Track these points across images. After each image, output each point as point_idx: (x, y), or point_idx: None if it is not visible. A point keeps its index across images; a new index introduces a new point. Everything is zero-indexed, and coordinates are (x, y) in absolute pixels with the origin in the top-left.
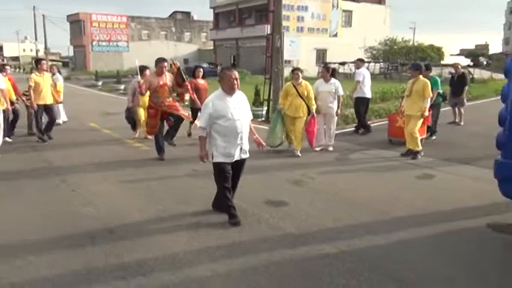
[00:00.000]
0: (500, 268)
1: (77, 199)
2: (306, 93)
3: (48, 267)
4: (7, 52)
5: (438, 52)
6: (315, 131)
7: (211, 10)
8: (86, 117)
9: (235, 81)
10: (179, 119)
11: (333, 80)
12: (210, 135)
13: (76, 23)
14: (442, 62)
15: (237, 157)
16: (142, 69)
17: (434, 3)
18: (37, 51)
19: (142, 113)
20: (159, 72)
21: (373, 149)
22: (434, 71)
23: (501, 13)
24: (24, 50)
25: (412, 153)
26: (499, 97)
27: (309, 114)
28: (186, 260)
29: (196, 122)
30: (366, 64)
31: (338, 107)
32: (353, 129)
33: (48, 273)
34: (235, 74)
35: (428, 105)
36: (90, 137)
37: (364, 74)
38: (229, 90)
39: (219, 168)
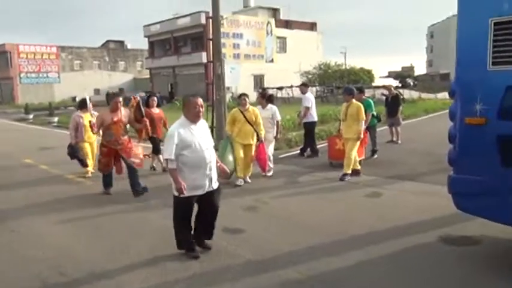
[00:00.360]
0: (457, 281)
1: (20, 242)
2: (254, 119)
3: None
4: None
5: (369, 75)
6: (266, 157)
7: (146, 39)
8: (19, 153)
9: (201, 109)
10: (132, 169)
11: (269, 105)
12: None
13: (2, 55)
14: (373, 84)
15: (207, 188)
16: (84, 102)
17: (362, 29)
18: None
19: (88, 148)
20: (114, 108)
21: (320, 171)
22: (367, 93)
23: (423, 37)
24: None
25: (353, 173)
26: (429, 115)
27: (258, 140)
28: None
29: (160, 155)
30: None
31: (277, 132)
32: (298, 152)
33: None
34: (200, 101)
35: (363, 127)
36: (27, 175)
37: (311, 99)
38: (194, 118)
39: (184, 202)
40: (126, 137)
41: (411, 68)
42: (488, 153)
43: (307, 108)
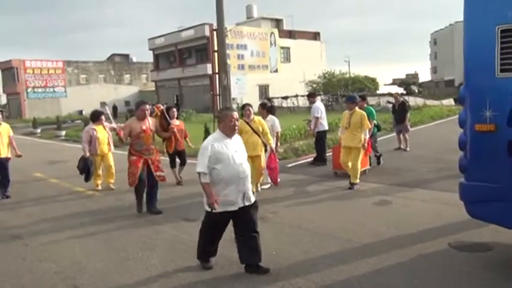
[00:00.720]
0: (468, 286)
1: (34, 255)
2: (261, 129)
3: None
4: None
5: (373, 83)
6: (277, 167)
7: (151, 51)
8: (29, 167)
9: (237, 122)
10: (155, 185)
11: (269, 116)
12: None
13: (8, 70)
14: (378, 92)
15: (240, 204)
16: (98, 114)
17: (365, 38)
18: None
19: (100, 163)
20: (141, 116)
21: (329, 180)
22: (372, 101)
23: (427, 44)
24: None
25: (350, 185)
26: (435, 122)
27: (266, 150)
28: None
29: (175, 168)
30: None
31: (276, 143)
32: (307, 161)
33: None
34: (236, 114)
35: (367, 136)
36: (38, 188)
37: (320, 108)
38: (230, 132)
39: (215, 219)
40: (154, 147)
41: (415, 75)
42: (499, 159)
43: (317, 119)
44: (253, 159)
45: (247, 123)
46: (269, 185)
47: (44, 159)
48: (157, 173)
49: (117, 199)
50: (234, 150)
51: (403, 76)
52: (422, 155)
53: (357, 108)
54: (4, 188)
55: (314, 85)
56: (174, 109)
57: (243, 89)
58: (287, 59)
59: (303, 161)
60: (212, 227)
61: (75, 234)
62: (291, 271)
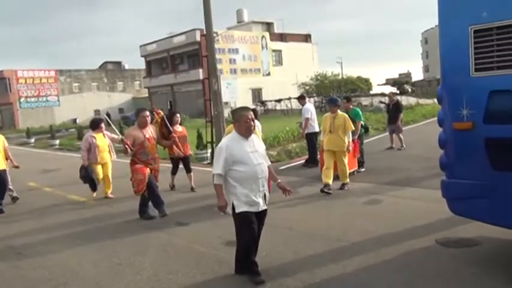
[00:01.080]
0: (456, 282)
1: (27, 263)
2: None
3: None
4: None
5: (366, 83)
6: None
7: (143, 58)
8: (23, 176)
9: (252, 122)
10: (155, 193)
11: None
12: (227, 184)
13: (0, 81)
14: (371, 92)
15: (261, 206)
16: (98, 121)
17: (357, 38)
18: None
19: (100, 171)
20: (143, 124)
21: (321, 181)
22: (365, 101)
23: (418, 43)
24: None
25: (341, 185)
26: (427, 121)
27: None
28: None
29: (174, 175)
30: (308, 99)
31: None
32: (302, 162)
33: None
34: (251, 114)
35: (351, 138)
36: (32, 198)
37: (310, 110)
38: (246, 132)
39: (243, 218)
40: (157, 155)
41: (408, 75)
42: (478, 156)
43: (307, 119)
44: None
45: None
46: None
47: (38, 168)
48: (157, 183)
49: (110, 206)
50: (251, 150)
51: (396, 76)
52: (414, 153)
53: (339, 111)
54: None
55: (307, 87)
56: (178, 115)
57: (234, 93)
58: (279, 61)
59: (296, 163)
60: (246, 229)
61: (68, 242)
62: (279, 271)
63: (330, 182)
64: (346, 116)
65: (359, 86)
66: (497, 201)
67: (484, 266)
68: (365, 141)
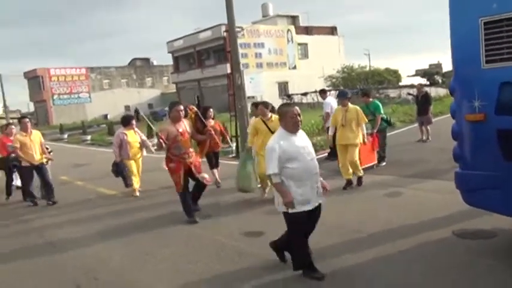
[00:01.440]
0: (469, 273)
1: (59, 253)
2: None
3: None
4: None
5: (395, 75)
6: None
7: (170, 54)
8: (56, 171)
9: (299, 117)
10: (201, 186)
11: (274, 117)
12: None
13: (34, 79)
14: (400, 84)
15: (314, 202)
16: (129, 118)
17: (385, 29)
18: None
19: (133, 166)
20: (177, 118)
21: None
22: (393, 93)
23: (448, 33)
24: None
25: (358, 180)
26: None
27: None
28: None
29: (215, 169)
30: (331, 92)
31: None
32: (325, 155)
33: None
34: (297, 109)
35: (366, 131)
36: (63, 191)
37: (331, 104)
38: (293, 128)
39: (295, 219)
40: (192, 150)
41: (439, 65)
42: (490, 147)
43: (328, 114)
44: None
45: (265, 122)
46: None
47: (70, 163)
48: (201, 175)
49: (138, 200)
50: (302, 146)
51: (427, 66)
52: (439, 146)
53: (349, 104)
54: (49, 194)
55: (333, 80)
56: (211, 109)
57: (258, 88)
58: (305, 55)
59: (319, 156)
60: (298, 229)
61: (98, 233)
62: None
63: (351, 177)
64: (359, 108)
65: (386, 78)
66: (509, 191)
67: (500, 258)
68: (390, 133)
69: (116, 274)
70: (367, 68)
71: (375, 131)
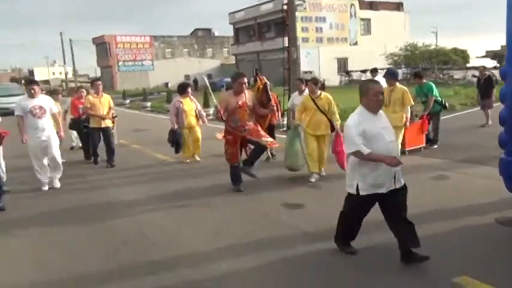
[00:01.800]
0: (507, 258)
1: (110, 208)
2: (327, 108)
3: (84, 266)
4: (38, 76)
5: (463, 55)
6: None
7: (231, 26)
8: (115, 134)
9: (382, 97)
10: (260, 147)
11: (323, 94)
12: (354, 162)
13: (102, 45)
14: (468, 65)
15: (390, 187)
16: (184, 86)
17: (455, 6)
18: (66, 74)
19: (187, 135)
20: (239, 90)
21: None
22: (457, 75)
23: None
24: (53, 74)
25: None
26: None
27: (332, 131)
28: (208, 257)
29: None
30: (381, 72)
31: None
32: None
33: (83, 272)
34: (381, 87)
35: (409, 114)
36: (121, 154)
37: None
38: (375, 107)
39: (362, 201)
40: (251, 123)
41: None
42: None
43: None
44: (317, 139)
45: (313, 99)
46: (317, 176)
47: (130, 127)
48: (262, 139)
49: (190, 166)
50: (382, 126)
51: (499, 48)
52: (497, 131)
53: (397, 84)
54: (109, 157)
55: (395, 58)
56: (268, 82)
57: (313, 62)
58: (367, 31)
59: None
60: (356, 211)
61: (148, 195)
62: (330, 234)
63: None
64: (405, 89)
65: (451, 58)
66: None
67: None
68: (449, 116)
69: (161, 233)
70: (432, 47)
71: (426, 113)
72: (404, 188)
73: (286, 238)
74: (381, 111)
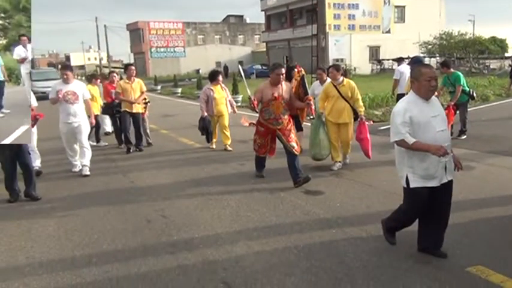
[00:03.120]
0: None
1: (136, 190)
2: (350, 94)
3: (110, 244)
4: (74, 61)
5: (501, 44)
6: (368, 138)
7: (263, 13)
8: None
9: (434, 82)
10: (292, 155)
11: (345, 80)
12: (402, 154)
13: (135, 31)
14: (506, 55)
15: (441, 179)
16: (215, 74)
17: None
18: (101, 59)
19: (216, 123)
20: (275, 82)
21: None
22: (494, 64)
23: None
24: (89, 59)
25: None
26: None
27: (356, 119)
28: (226, 239)
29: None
30: (407, 60)
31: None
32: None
33: (109, 249)
34: (434, 72)
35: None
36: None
37: (401, 71)
38: (426, 93)
39: (415, 195)
40: (286, 116)
41: None
42: None
43: (396, 81)
44: (339, 127)
45: (335, 86)
46: (339, 164)
47: (160, 113)
48: (290, 144)
49: (214, 151)
50: (432, 115)
51: None
52: None
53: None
54: (138, 141)
55: (429, 46)
56: (295, 69)
57: (342, 50)
58: (401, 18)
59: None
60: (414, 205)
61: (172, 177)
62: (347, 221)
63: None
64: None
65: (487, 48)
66: None
67: None
68: (481, 106)
69: (182, 214)
70: (469, 36)
71: (452, 103)
72: (451, 182)
73: (303, 224)
74: (434, 98)
